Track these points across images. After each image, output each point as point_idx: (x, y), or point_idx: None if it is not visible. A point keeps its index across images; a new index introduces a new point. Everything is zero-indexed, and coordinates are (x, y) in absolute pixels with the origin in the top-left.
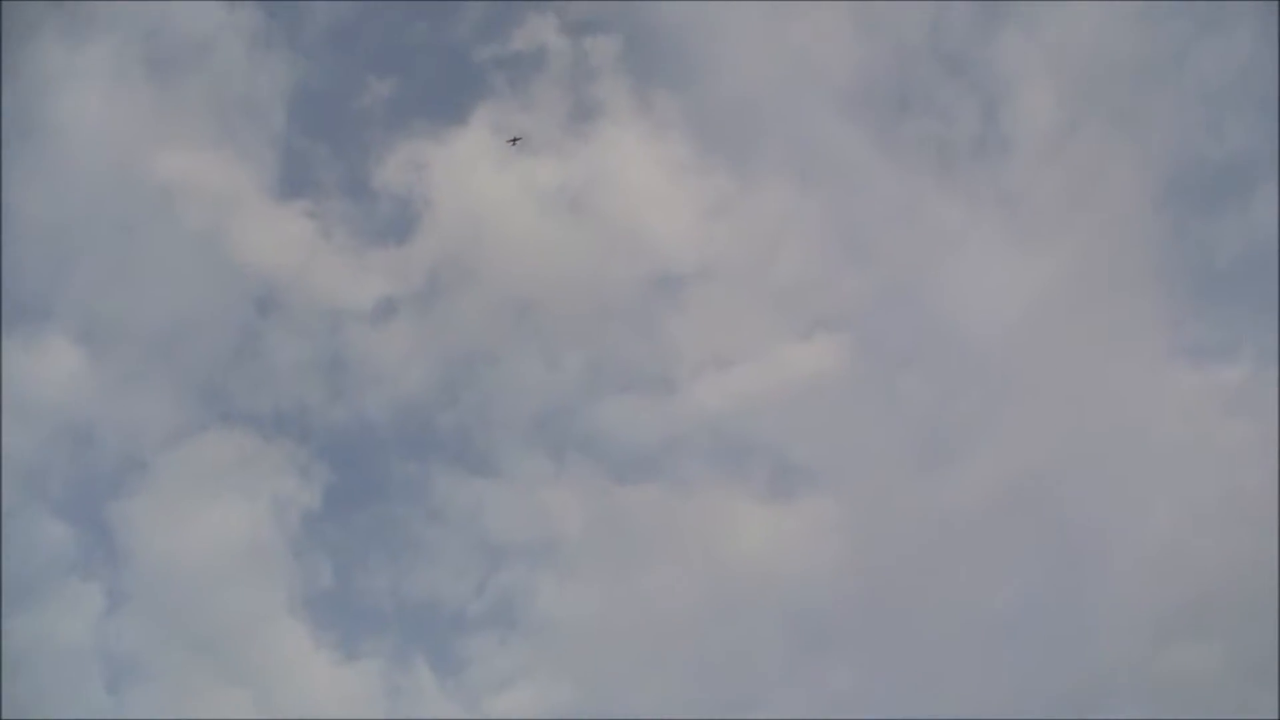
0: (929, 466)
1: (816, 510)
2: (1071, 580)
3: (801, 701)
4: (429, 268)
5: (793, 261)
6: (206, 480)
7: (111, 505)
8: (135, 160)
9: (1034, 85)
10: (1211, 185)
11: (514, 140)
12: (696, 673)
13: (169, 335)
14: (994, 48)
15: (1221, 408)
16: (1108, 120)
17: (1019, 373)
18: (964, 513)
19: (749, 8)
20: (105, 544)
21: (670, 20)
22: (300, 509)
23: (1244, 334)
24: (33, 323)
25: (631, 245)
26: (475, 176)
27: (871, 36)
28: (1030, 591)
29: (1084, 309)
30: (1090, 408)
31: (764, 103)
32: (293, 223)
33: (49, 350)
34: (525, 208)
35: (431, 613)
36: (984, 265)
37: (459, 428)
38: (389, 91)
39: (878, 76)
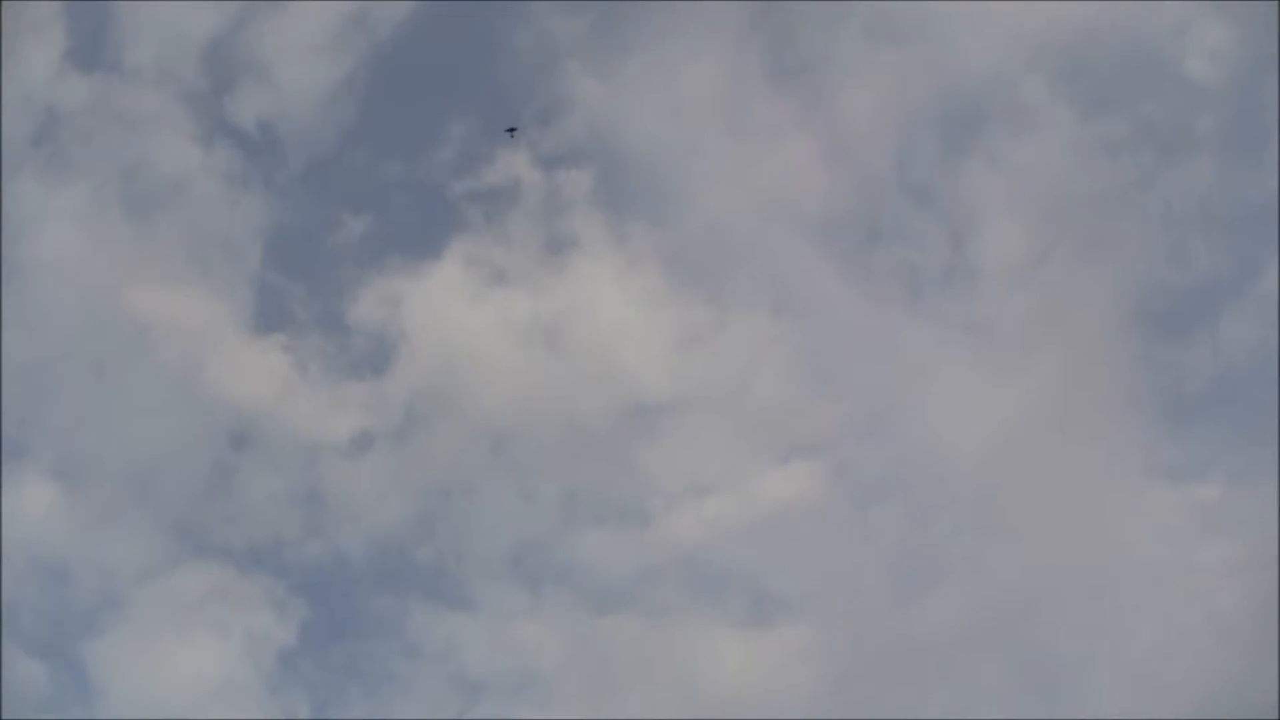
0: (906, 594)
1: (794, 639)
2: (1054, 707)
3: None
4: (405, 401)
5: (767, 390)
6: (181, 616)
7: (86, 642)
8: (112, 297)
9: (1000, 214)
10: (1179, 310)
11: (511, 131)
12: None
13: (144, 470)
14: (960, 178)
15: (1198, 527)
16: (1074, 248)
17: (994, 498)
18: (943, 640)
19: (719, 142)
20: (79, 681)
21: (642, 154)
22: (276, 645)
23: (1217, 454)
24: (9, 459)
25: (606, 376)
26: (450, 310)
27: (840, 168)
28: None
29: (1057, 434)
30: (1067, 531)
31: (736, 234)
32: (268, 357)
33: (25, 486)
34: (500, 340)
35: None
36: (956, 392)
37: (435, 561)
38: (364, 227)
39: (847, 207)
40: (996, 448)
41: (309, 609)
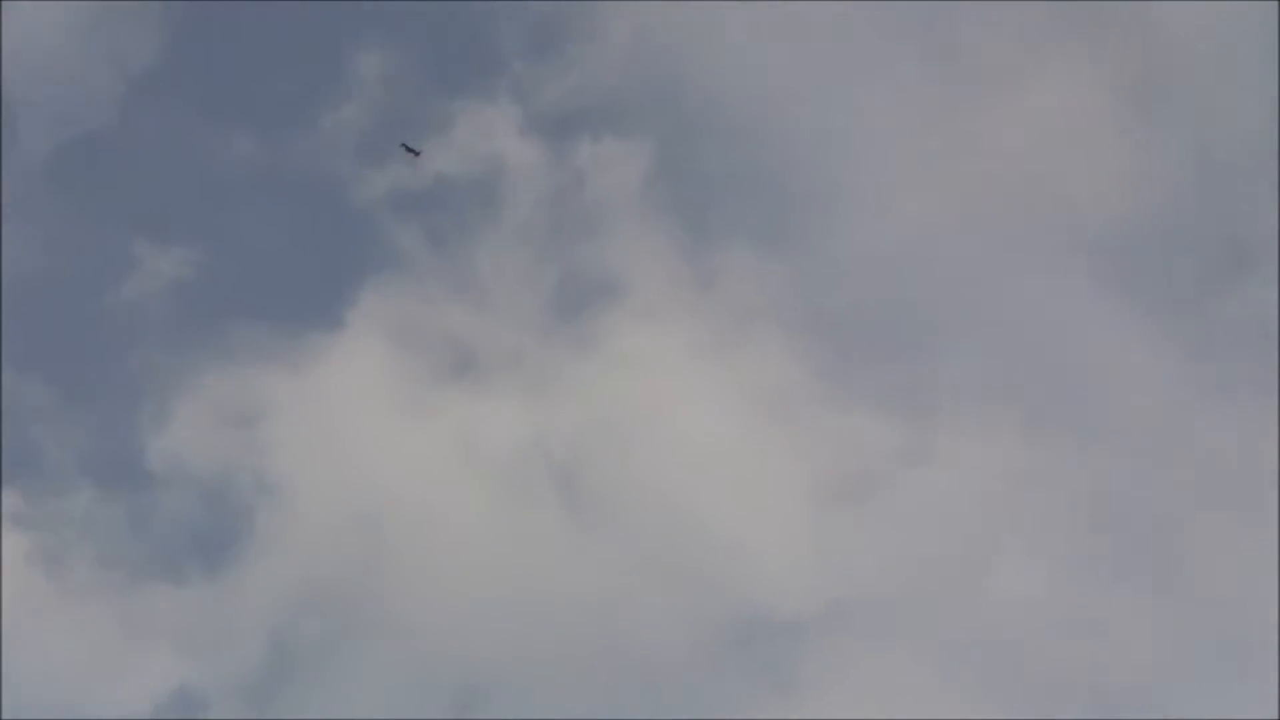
0: None
1: None
2: None
3: None
4: (268, 622)
5: (1025, 586)
6: None
7: None
8: None
9: None
10: None
11: (413, 151)
12: None
13: None
14: None
15: None
16: None
17: None
18: None
19: (903, 85)
20: None
21: (744, 111)
22: None
23: None
24: None
25: (685, 560)
26: (365, 432)
27: (1158, 137)
28: None
29: None
30: None
31: (946, 269)
32: None
33: None
34: (464, 484)
35: None
36: None
37: None
38: (184, 269)
39: (1176, 212)
40: None
41: None
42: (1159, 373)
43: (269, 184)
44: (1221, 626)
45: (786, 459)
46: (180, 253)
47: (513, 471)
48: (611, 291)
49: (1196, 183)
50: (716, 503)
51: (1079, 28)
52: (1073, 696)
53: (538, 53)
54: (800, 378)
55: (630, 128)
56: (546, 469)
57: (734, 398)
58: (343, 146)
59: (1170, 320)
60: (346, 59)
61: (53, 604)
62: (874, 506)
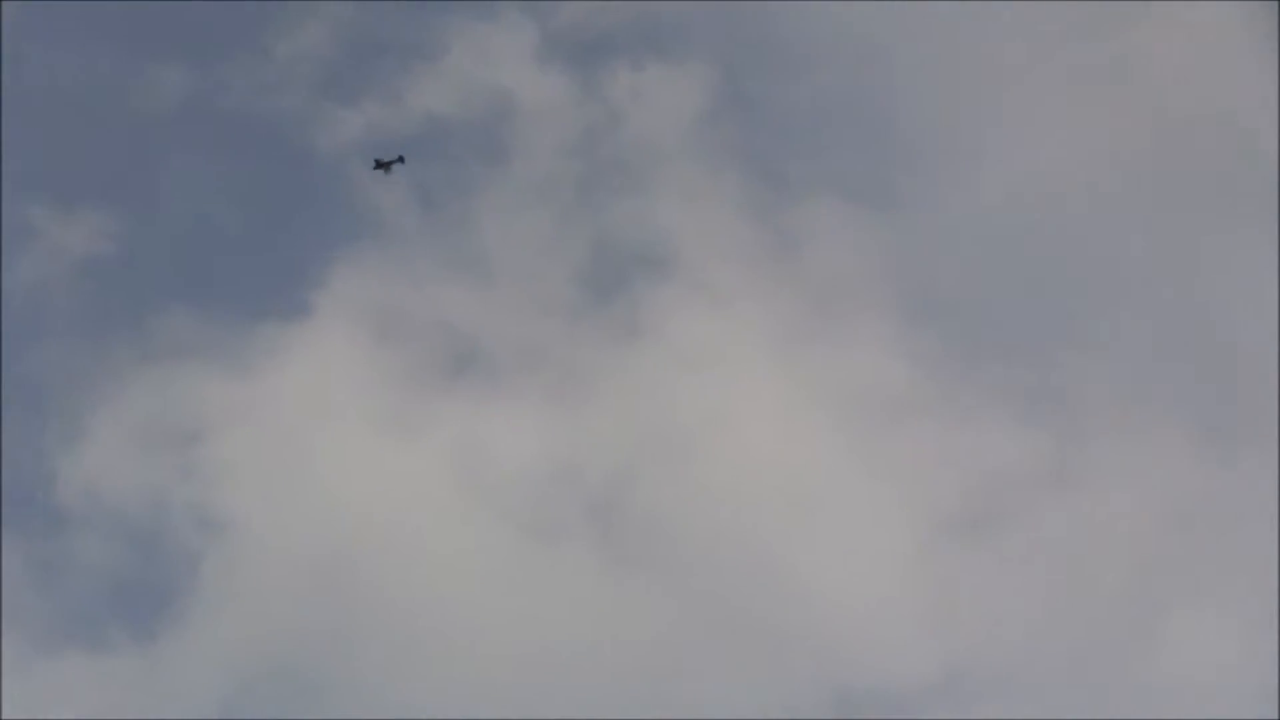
0: None
1: None
2: None
3: None
4: (215, 698)
5: (1207, 645)
6: None
7: None
8: None
9: None
10: None
11: (387, 164)
12: None
13: None
14: None
15: None
16: None
17: None
18: None
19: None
20: None
21: (837, 31)
22: None
23: None
24: None
25: (757, 610)
26: (334, 446)
27: None
28: None
29: None
30: None
31: (1096, 229)
32: None
33: None
34: (466, 517)
35: None
36: None
37: None
38: (90, 241)
39: None
40: None
41: None
42: None
43: (207, 131)
44: None
45: (891, 482)
46: (93, 221)
47: (531, 500)
48: (659, 265)
49: None
50: (800, 539)
51: None
52: None
53: None
54: (908, 377)
55: (682, 51)
56: (576, 496)
57: (821, 402)
58: (302, 80)
59: None
60: None
61: None
62: (1007, 545)
